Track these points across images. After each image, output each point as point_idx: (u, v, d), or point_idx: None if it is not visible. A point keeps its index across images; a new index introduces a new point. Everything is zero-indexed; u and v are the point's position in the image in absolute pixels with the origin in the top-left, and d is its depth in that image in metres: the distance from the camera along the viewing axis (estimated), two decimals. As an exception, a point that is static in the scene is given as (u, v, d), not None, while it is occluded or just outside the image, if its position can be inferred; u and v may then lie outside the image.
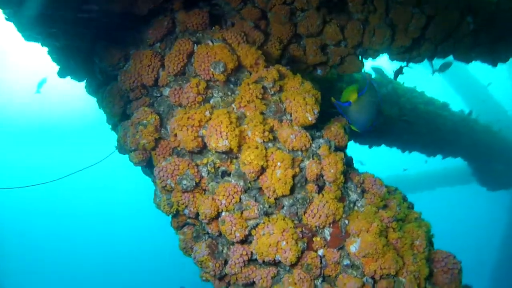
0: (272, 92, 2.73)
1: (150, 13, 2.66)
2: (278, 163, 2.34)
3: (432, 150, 7.24)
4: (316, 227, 2.33)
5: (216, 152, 2.42)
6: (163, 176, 2.42)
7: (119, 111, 2.76)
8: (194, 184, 2.41)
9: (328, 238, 2.35)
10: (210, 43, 2.59)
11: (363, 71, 3.61)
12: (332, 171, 2.42)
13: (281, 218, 2.27)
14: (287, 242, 2.15)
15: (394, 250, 2.26)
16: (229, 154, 2.46)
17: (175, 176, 2.41)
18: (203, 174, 2.49)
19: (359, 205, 2.58)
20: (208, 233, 2.56)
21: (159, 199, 2.62)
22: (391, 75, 5.72)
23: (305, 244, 2.25)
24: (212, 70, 2.54)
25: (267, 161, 2.36)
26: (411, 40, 3.48)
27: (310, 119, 2.52)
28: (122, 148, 2.66)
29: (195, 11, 2.75)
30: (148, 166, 2.76)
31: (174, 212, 2.59)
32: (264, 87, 2.70)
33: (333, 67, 3.85)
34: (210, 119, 2.42)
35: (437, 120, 6.64)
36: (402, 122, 5.88)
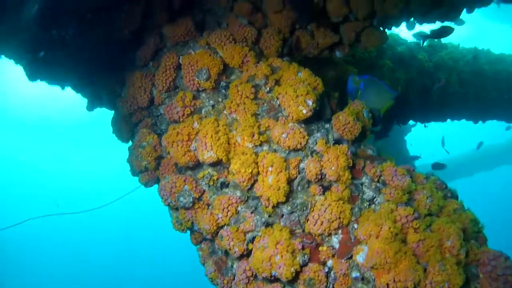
0: (268, 88, 2.57)
1: (136, 34, 2.70)
2: (269, 168, 2.18)
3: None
4: (320, 235, 2.11)
5: (208, 164, 2.36)
6: (164, 195, 2.44)
7: (128, 136, 2.86)
8: (191, 200, 2.37)
9: (337, 246, 2.12)
10: (192, 52, 2.53)
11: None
12: (333, 168, 2.18)
13: (278, 229, 2.11)
14: (281, 256, 1.98)
15: (413, 256, 1.92)
16: (222, 164, 2.37)
17: (174, 194, 2.41)
18: (204, 187, 2.45)
19: (376, 202, 2.28)
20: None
21: (170, 218, 2.65)
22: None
23: (307, 256, 2.05)
24: (196, 79, 2.47)
25: (258, 167, 2.21)
26: None
27: (304, 112, 2.30)
28: (132, 171, 2.75)
29: (177, 22, 2.71)
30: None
31: (186, 229, 2.60)
32: (257, 85, 2.55)
33: (355, 45, 3.48)
34: (199, 131, 2.36)
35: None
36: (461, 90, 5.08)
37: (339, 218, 2.09)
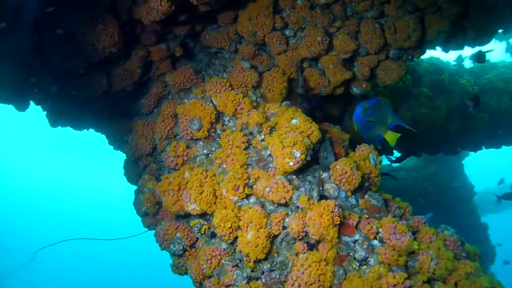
0: (262, 137, 2.55)
1: (139, 84, 2.88)
2: (250, 224, 2.14)
3: None
4: (298, 298, 2.00)
5: (195, 215, 2.40)
6: (158, 241, 2.53)
7: (135, 179, 3.04)
8: (181, 248, 2.43)
9: (317, 312, 1.99)
10: (186, 102, 2.62)
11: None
12: (315, 226, 2.06)
13: (255, 286, 2.05)
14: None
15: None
16: (210, 215, 2.39)
17: (166, 241, 2.49)
18: (197, 235, 2.49)
19: (370, 263, 2.10)
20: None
21: (171, 262, 2.73)
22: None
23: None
24: (189, 129, 2.55)
25: (239, 221, 2.19)
26: (448, 21, 2.66)
27: (291, 164, 2.24)
28: (137, 213, 2.91)
29: (178, 70, 2.83)
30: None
31: (183, 273, 2.65)
32: (250, 133, 2.55)
33: (373, 79, 3.30)
34: (188, 181, 2.42)
35: None
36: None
37: (319, 281, 1.97)
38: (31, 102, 2.68)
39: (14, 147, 30.73)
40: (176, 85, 2.85)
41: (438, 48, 3.59)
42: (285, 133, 2.38)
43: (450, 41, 3.01)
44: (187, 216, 2.55)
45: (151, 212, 2.71)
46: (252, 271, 2.20)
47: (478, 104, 4.06)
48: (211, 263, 2.26)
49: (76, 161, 32.33)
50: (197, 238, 2.50)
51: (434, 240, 2.20)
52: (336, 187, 2.40)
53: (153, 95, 2.86)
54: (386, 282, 1.87)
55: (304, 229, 2.11)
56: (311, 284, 1.96)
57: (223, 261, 2.27)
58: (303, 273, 1.98)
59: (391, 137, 2.94)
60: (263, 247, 2.10)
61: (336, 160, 2.60)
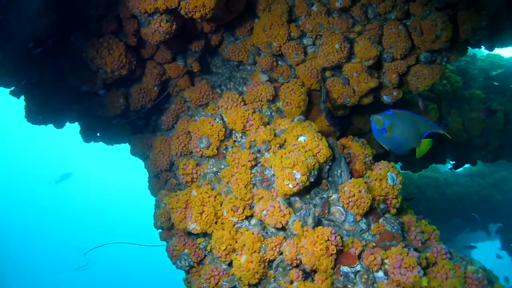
0: (271, 154, 2.49)
1: (163, 100, 3.01)
2: (244, 247, 2.12)
3: None
4: (287, 329, 1.93)
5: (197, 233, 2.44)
6: (169, 256, 2.63)
7: (156, 193, 3.18)
8: (187, 264, 2.49)
9: None
10: (197, 119, 2.66)
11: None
12: (307, 255, 1.96)
13: (246, 314, 2.03)
14: None
15: None
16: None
17: (175, 257, 2.57)
18: (205, 253, 2.54)
19: (370, 298, 1.94)
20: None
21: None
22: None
23: None
24: (199, 147, 2.60)
25: (236, 243, 2.18)
26: (485, 17, 2.27)
27: (290, 186, 2.15)
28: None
29: (195, 86, 2.90)
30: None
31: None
32: (258, 151, 2.51)
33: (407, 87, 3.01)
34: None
35: None
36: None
37: (309, 317, 1.87)
38: (67, 122, 2.98)
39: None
40: (193, 101, 2.91)
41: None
42: (289, 152, 2.28)
43: (493, 38, 2.58)
44: (194, 233, 2.61)
45: (165, 226, 2.82)
46: (248, 295, 2.17)
47: (491, 113, 3.50)
48: (209, 283, 2.28)
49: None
50: (205, 255, 2.54)
51: (451, 277, 1.94)
52: (343, 210, 2.25)
53: (172, 111, 2.96)
54: (378, 325, 1.70)
55: (298, 257, 2.02)
56: (300, 319, 1.87)
57: (222, 281, 2.28)
58: (292, 305, 1.90)
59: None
60: (254, 272, 2.05)
61: (353, 177, 2.44)
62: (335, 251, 1.95)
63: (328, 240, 1.95)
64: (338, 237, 1.98)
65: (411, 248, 2.08)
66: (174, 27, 2.32)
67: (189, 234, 2.69)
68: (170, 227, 2.83)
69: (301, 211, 2.10)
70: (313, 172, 2.22)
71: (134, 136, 3.18)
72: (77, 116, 2.90)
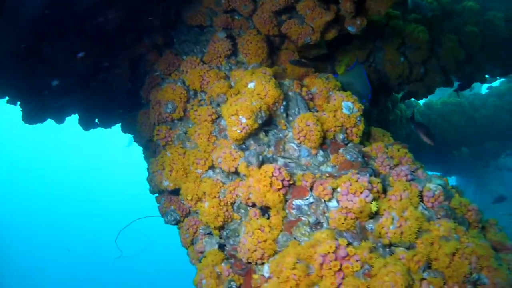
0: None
1: (135, 80, 3.01)
2: (205, 194, 2.12)
3: None
4: (249, 263, 1.91)
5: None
6: (161, 215, 2.69)
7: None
8: (173, 219, 2.53)
9: (267, 275, 1.86)
10: (162, 87, 2.63)
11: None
12: (254, 194, 1.89)
13: (214, 253, 2.04)
14: (207, 281, 1.93)
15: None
16: (187, 188, 2.43)
17: (164, 214, 2.63)
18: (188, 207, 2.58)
19: (324, 228, 1.84)
20: None
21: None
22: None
23: (233, 284, 1.91)
24: (167, 112, 2.59)
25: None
26: None
27: (238, 131, 2.08)
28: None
29: (162, 58, 2.85)
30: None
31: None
32: (218, 105, 2.44)
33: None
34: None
35: None
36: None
37: (261, 248, 1.82)
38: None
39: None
40: (163, 72, 2.87)
41: None
42: (237, 100, 2.18)
43: None
44: (169, 190, 2.63)
45: (156, 190, 2.88)
46: (220, 237, 2.18)
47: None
48: (189, 232, 2.32)
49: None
50: (189, 210, 2.57)
51: (404, 198, 1.76)
52: (295, 146, 2.12)
53: (147, 85, 2.95)
54: (315, 251, 1.61)
55: (250, 196, 1.96)
56: (253, 252, 1.83)
57: (199, 230, 2.31)
58: (246, 240, 1.86)
59: None
60: (216, 216, 2.05)
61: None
62: (280, 186, 1.86)
63: (272, 176, 1.86)
64: (285, 172, 1.88)
65: (367, 174, 1.91)
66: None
67: (173, 192, 2.74)
68: (161, 190, 2.90)
69: (246, 152, 2.02)
70: (260, 114, 2.11)
71: (127, 115, 3.25)
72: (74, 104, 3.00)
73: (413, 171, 2.15)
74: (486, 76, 4.13)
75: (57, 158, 31.80)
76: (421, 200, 1.82)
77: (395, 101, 5.39)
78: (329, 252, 1.57)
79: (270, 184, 1.85)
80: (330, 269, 1.55)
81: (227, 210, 2.08)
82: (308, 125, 2.04)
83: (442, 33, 3.54)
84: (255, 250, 1.83)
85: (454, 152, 6.95)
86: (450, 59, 3.75)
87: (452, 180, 10.12)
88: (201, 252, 2.20)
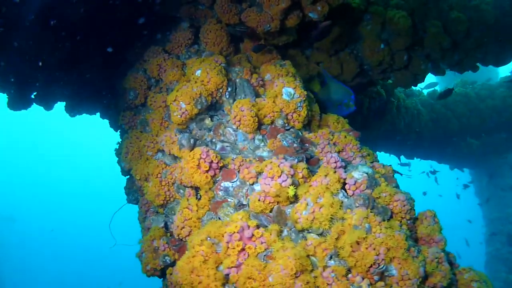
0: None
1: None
2: (149, 174, 2.15)
3: None
4: (180, 240, 1.93)
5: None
6: (126, 194, 2.78)
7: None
8: (134, 198, 2.61)
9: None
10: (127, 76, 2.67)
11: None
12: (183, 175, 1.89)
13: (155, 228, 2.08)
14: (145, 253, 1.98)
15: None
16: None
17: (127, 194, 2.72)
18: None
19: (244, 210, 1.82)
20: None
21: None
22: None
23: (168, 258, 1.94)
24: (129, 99, 2.63)
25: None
26: None
27: (178, 116, 2.10)
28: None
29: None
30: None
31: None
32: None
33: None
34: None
35: None
36: None
37: (188, 226, 1.84)
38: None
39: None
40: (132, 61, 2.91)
41: None
42: (181, 87, 2.17)
43: None
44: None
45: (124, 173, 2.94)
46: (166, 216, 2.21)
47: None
48: (142, 211, 2.38)
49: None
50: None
51: (324, 183, 1.68)
52: (232, 130, 2.09)
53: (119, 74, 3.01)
54: (225, 231, 1.58)
55: (182, 177, 1.96)
56: (181, 228, 1.85)
57: (150, 208, 2.35)
58: (176, 218, 1.88)
59: None
60: (157, 195, 2.09)
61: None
62: (207, 168, 1.85)
63: (200, 158, 1.85)
64: (213, 155, 1.87)
65: (295, 159, 1.85)
66: None
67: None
68: (125, 172, 2.96)
69: (179, 135, 2.02)
70: (200, 100, 2.09)
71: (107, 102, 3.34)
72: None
73: (351, 158, 2.05)
74: (478, 64, 3.79)
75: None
76: (342, 187, 1.73)
77: (390, 90, 5.11)
78: (234, 232, 1.55)
79: (198, 165, 1.84)
80: (234, 248, 1.53)
81: (168, 190, 2.10)
82: (242, 110, 2.00)
83: (427, 19, 3.28)
84: (183, 227, 1.84)
85: (462, 143, 6.52)
86: (435, 46, 3.49)
87: (465, 173, 9.52)
88: (149, 229, 2.25)
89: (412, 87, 7.00)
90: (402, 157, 7.01)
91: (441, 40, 3.43)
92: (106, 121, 3.35)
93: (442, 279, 1.64)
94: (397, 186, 1.90)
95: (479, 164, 7.77)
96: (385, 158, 7.66)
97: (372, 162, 2.08)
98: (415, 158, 7.02)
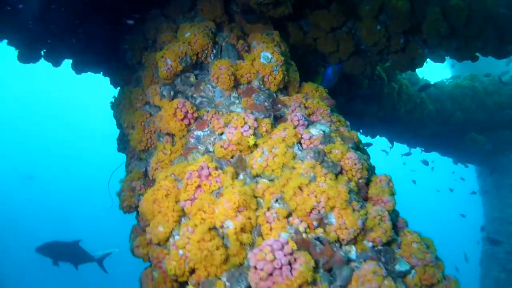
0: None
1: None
2: (135, 122, 2.33)
3: None
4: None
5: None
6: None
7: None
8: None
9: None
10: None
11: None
12: (162, 122, 2.05)
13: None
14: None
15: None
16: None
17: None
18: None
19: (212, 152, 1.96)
20: None
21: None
22: None
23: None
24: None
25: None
26: None
27: (164, 71, 2.26)
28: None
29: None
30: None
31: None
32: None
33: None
34: (125, 97, 2.74)
35: None
36: None
37: (161, 168, 2.01)
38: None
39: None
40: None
41: None
42: (170, 46, 2.31)
43: None
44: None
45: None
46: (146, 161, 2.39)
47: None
48: (128, 157, 2.57)
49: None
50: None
51: (282, 136, 1.80)
52: (211, 87, 2.22)
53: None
54: (187, 169, 1.74)
55: (160, 125, 2.12)
56: (155, 170, 2.04)
57: (135, 155, 2.53)
58: (152, 160, 2.06)
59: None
60: (139, 141, 2.26)
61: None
62: (182, 117, 2.00)
63: (177, 107, 2.00)
64: (189, 106, 2.01)
65: (261, 115, 1.98)
66: None
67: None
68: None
69: (161, 87, 2.17)
70: (185, 58, 2.23)
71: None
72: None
73: (319, 121, 2.14)
74: (477, 54, 3.71)
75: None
76: (298, 142, 1.84)
77: (392, 75, 5.06)
78: (194, 170, 1.70)
79: (174, 114, 1.99)
80: (192, 184, 1.69)
81: (150, 138, 2.27)
82: (220, 69, 2.12)
83: (427, 4, 3.24)
84: (156, 169, 2.01)
85: (466, 137, 6.38)
86: (432, 32, 3.44)
87: (471, 169, 9.31)
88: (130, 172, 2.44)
89: (418, 76, 6.87)
90: (404, 145, 6.96)
91: (439, 27, 3.38)
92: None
93: (382, 235, 1.72)
94: (355, 148, 1.98)
95: (485, 163, 7.60)
96: (388, 147, 7.59)
97: (338, 127, 2.16)
98: (417, 147, 6.95)
